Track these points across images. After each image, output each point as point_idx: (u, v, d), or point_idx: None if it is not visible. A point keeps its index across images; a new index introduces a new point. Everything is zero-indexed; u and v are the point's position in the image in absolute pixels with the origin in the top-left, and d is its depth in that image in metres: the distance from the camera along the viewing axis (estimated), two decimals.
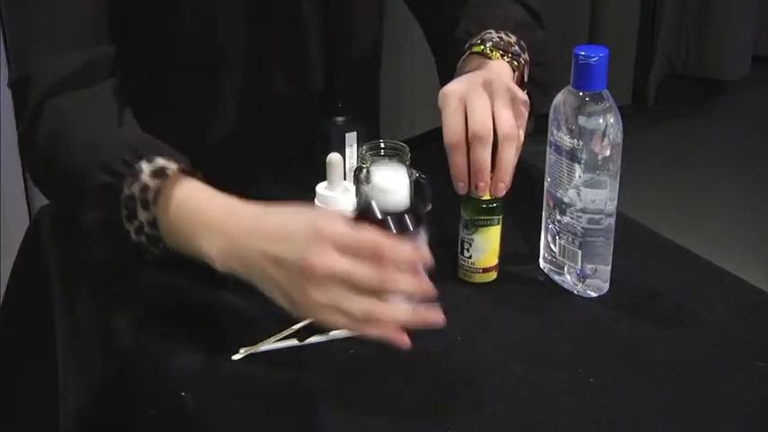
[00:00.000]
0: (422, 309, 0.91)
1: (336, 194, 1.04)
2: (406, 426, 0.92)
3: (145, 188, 0.98)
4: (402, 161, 1.18)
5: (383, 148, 1.19)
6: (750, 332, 1.06)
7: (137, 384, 1.03)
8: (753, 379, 0.99)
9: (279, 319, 1.04)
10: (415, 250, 0.93)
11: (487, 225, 1.10)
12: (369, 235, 0.91)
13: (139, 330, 1.04)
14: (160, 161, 1.00)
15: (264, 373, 0.98)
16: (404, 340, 0.90)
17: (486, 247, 1.11)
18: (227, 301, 1.08)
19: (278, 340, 1.01)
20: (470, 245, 1.11)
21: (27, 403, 1.28)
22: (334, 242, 0.89)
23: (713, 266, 1.18)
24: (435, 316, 0.91)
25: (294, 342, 1.02)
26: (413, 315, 0.91)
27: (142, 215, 0.99)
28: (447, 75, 1.22)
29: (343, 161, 1.06)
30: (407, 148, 1.19)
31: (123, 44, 1.17)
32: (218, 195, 0.99)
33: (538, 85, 1.23)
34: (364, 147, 1.18)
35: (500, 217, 1.10)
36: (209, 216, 0.97)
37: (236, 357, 0.99)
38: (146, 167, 0.99)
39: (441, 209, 1.25)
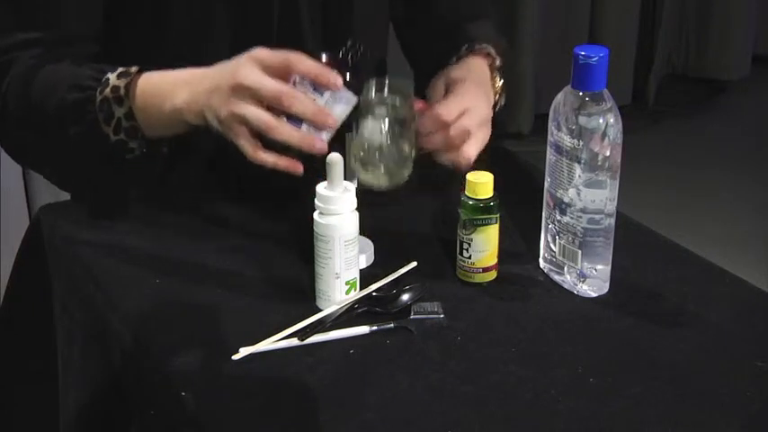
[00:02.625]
0: (312, 135, 1.07)
1: (336, 194, 1.04)
2: (406, 426, 0.92)
3: (115, 88, 1.14)
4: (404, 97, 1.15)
5: (387, 84, 1.14)
6: (750, 332, 1.06)
7: (137, 384, 1.03)
8: (753, 379, 0.99)
9: (279, 319, 1.04)
10: (324, 68, 1.07)
11: (485, 224, 1.10)
12: (286, 53, 1.07)
13: (139, 330, 1.04)
14: (120, 68, 1.16)
15: (264, 373, 0.98)
16: (297, 169, 1.07)
17: (484, 246, 1.11)
18: (227, 301, 1.08)
19: (278, 340, 1.01)
20: (469, 245, 1.11)
21: (27, 403, 1.28)
22: (261, 60, 1.07)
23: (713, 266, 1.18)
24: (320, 144, 1.06)
25: (294, 342, 1.02)
26: (302, 138, 1.06)
27: (118, 111, 1.14)
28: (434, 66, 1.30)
29: (343, 161, 1.06)
30: (411, 85, 1.16)
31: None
32: (179, 70, 1.15)
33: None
34: (368, 82, 1.14)
35: (497, 216, 1.10)
36: (174, 79, 1.14)
37: (236, 357, 0.99)
38: (111, 75, 1.15)
39: (440, 209, 1.26)
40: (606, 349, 1.03)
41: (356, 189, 1.09)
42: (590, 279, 1.10)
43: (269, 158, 1.07)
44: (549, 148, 1.09)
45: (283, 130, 1.06)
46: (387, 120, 1.13)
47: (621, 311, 1.08)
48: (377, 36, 1.41)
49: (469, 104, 1.17)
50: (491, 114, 1.21)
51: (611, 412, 0.94)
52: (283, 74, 1.07)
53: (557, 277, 1.13)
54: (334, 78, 1.07)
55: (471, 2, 1.47)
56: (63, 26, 1.22)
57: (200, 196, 1.29)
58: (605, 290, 1.11)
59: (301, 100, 1.07)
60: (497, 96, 1.29)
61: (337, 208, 1.04)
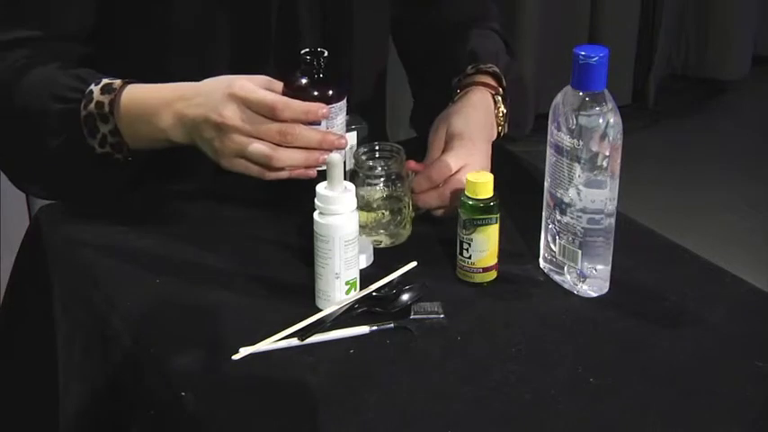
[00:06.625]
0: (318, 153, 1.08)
1: (336, 194, 1.04)
2: (406, 425, 0.92)
3: (99, 104, 1.14)
4: (398, 162, 1.17)
5: (378, 150, 1.19)
6: (750, 332, 1.06)
7: (137, 384, 1.03)
8: (753, 379, 0.99)
9: (279, 319, 1.04)
10: (309, 106, 1.07)
11: (485, 224, 1.10)
12: (271, 95, 1.07)
13: (139, 330, 1.04)
14: (105, 80, 1.16)
15: (264, 373, 0.98)
16: (310, 174, 1.09)
17: (484, 246, 1.11)
18: (227, 301, 1.08)
19: (278, 340, 1.01)
20: (469, 245, 1.11)
21: (27, 403, 1.28)
22: (242, 99, 1.07)
23: (713, 266, 1.18)
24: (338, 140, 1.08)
25: (294, 342, 1.02)
26: (308, 158, 1.08)
27: (103, 128, 1.15)
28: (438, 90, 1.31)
29: (343, 161, 1.06)
30: (402, 150, 1.18)
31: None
32: (162, 85, 1.15)
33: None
34: (359, 149, 1.18)
35: (497, 216, 1.10)
36: (158, 97, 1.14)
37: (236, 357, 0.99)
38: (95, 88, 1.15)
39: None
40: (606, 349, 1.03)
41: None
42: (590, 279, 1.10)
43: (281, 174, 1.09)
44: (549, 148, 1.09)
45: (284, 156, 1.07)
46: (381, 185, 1.16)
47: (621, 311, 1.08)
48: (377, 38, 1.40)
49: (466, 161, 1.18)
50: (488, 166, 1.21)
51: (611, 412, 0.94)
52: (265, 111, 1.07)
53: (557, 277, 1.13)
54: (322, 108, 1.08)
55: (476, 2, 1.45)
56: (52, 26, 1.21)
57: (200, 196, 1.29)
58: (605, 290, 1.11)
59: (303, 133, 1.07)
60: (500, 128, 1.30)
61: (337, 208, 1.04)
